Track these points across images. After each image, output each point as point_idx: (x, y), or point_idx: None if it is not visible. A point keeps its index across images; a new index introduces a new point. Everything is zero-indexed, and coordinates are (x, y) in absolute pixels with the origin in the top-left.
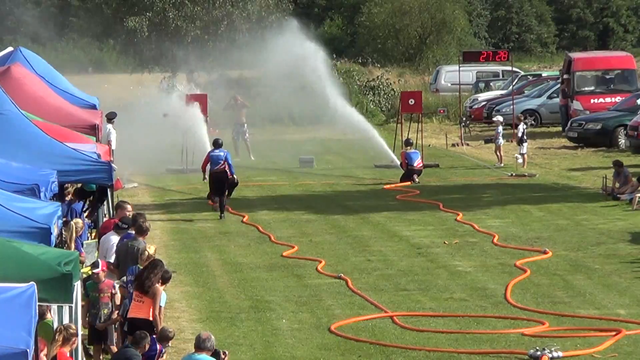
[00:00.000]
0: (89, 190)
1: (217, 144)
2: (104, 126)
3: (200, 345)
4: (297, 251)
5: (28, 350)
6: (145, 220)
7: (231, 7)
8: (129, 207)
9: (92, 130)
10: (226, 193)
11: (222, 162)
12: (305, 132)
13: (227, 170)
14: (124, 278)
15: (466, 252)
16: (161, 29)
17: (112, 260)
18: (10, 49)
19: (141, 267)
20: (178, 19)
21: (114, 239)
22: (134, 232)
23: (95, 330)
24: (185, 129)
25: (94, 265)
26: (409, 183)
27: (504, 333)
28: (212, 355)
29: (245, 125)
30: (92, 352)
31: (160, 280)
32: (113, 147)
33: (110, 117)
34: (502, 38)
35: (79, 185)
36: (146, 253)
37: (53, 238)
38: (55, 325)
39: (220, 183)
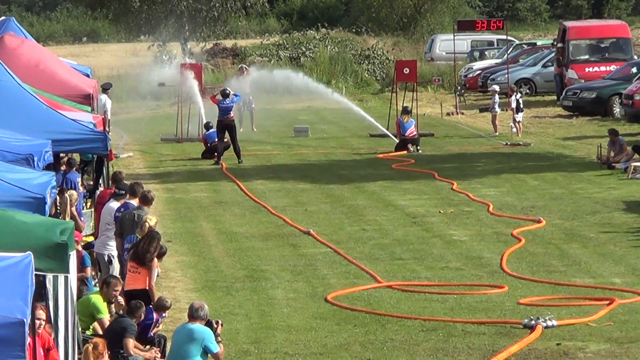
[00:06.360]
0: (85, 159)
1: (224, 94)
2: (99, 96)
3: (193, 314)
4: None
5: (25, 320)
6: (151, 191)
7: None
8: (124, 176)
9: (87, 99)
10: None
11: (231, 112)
12: (300, 101)
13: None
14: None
15: (461, 221)
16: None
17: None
18: (3, 18)
19: (139, 237)
20: None
21: (116, 205)
22: (134, 202)
23: None
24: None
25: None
26: (404, 152)
27: (493, 293)
28: (205, 325)
29: (251, 95)
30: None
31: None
32: (108, 117)
33: (106, 88)
34: (496, 7)
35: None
36: (146, 224)
37: (47, 208)
38: (51, 294)
39: (224, 131)
